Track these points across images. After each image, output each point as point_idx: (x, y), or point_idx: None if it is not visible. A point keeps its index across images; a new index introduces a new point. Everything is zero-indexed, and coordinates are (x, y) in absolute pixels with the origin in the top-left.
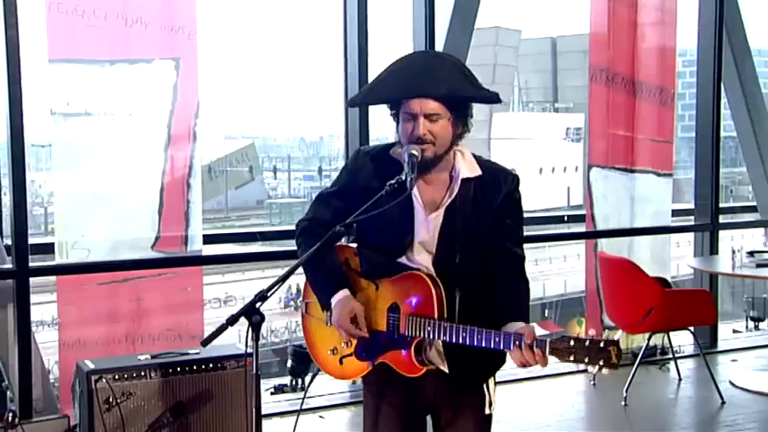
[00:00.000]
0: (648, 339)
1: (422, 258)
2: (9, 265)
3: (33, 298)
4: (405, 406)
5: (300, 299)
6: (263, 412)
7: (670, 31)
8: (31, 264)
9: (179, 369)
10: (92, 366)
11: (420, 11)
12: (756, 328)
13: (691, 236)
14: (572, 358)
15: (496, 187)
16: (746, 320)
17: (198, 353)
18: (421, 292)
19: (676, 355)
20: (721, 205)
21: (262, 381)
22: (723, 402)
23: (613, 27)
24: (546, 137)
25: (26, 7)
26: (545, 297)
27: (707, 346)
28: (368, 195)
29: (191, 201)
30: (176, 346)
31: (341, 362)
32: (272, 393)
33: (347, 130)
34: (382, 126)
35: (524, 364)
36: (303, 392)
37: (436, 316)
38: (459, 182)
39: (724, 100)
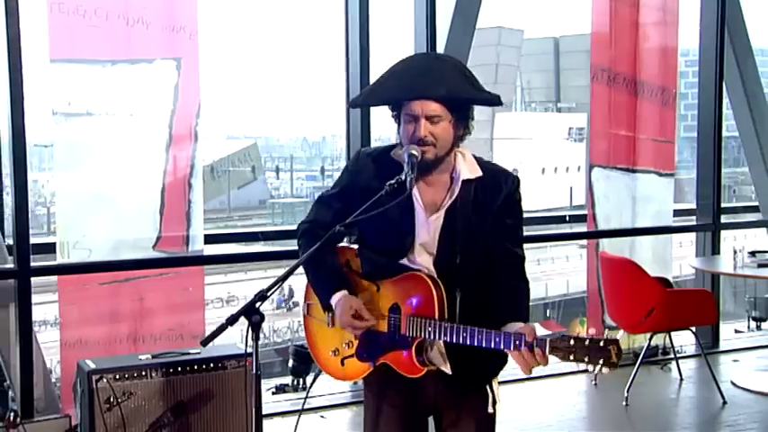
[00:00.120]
0: (650, 339)
1: (423, 260)
2: (11, 265)
3: (36, 298)
4: (406, 406)
5: (302, 300)
6: (265, 412)
7: (672, 30)
8: (32, 264)
9: (180, 369)
10: (93, 366)
11: (421, 11)
12: (758, 328)
13: (694, 236)
14: (572, 357)
15: (497, 188)
16: (748, 320)
17: (199, 353)
18: (422, 292)
19: (678, 356)
20: (723, 205)
21: (263, 380)
22: (724, 402)
23: (615, 27)
24: (548, 137)
25: (27, 7)
26: (547, 297)
27: (708, 347)
28: (368, 196)
29: (192, 201)
30: (178, 345)
31: (342, 363)
32: (273, 393)
33: (348, 131)
34: (383, 126)
35: (527, 366)
36: (305, 392)
37: (437, 316)
38: (460, 183)
39: (726, 100)
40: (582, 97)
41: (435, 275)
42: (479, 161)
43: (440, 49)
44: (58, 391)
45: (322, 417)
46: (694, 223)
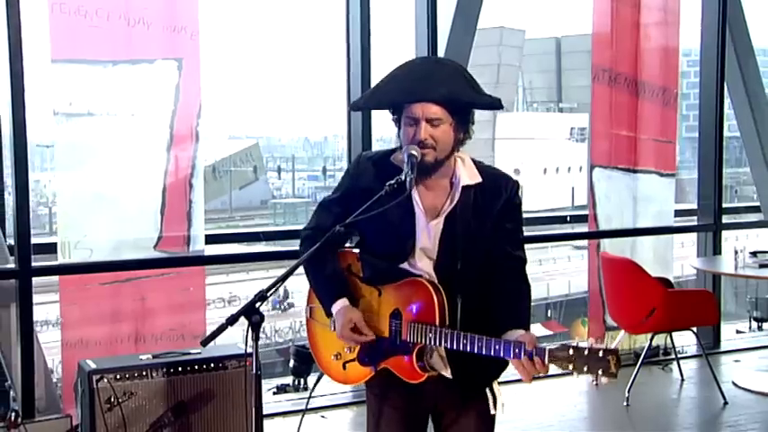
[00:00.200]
0: (651, 340)
1: (423, 264)
2: (12, 265)
3: (38, 298)
4: (407, 408)
5: (304, 303)
6: (265, 412)
7: (673, 31)
8: (33, 264)
9: (180, 369)
10: (93, 366)
11: (422, 11)
12: (760, 328)
13: (695, 236)
14: (571, 367)
15: (497, 193)
16: (750, 321)
17: (199, 353)
18: (422, 298)
19: (679, 356)
20: (725, 205)
21: (265, 380)
22: (726, 403)
23: (616, 27)
24: (550, 137)
25: (29, 7)
26: (549, 297)
27: (710, 347)
28: (368, 199)
29: (193, 201)
30: (179, 345)
31: (344, 367)
32: (274, 393)
33: (350, 131)
34: (385, 127)
35: (527, 375)
36: (309, 393)
37: (437, 323)
38: (460, 189)
39: (728, 100)
40: (584, 97)
41: (436, 281)
42: (479, 166)
43: (441, 49)
44: (60, 391)
45: (323, 417)
46: (695, 223)
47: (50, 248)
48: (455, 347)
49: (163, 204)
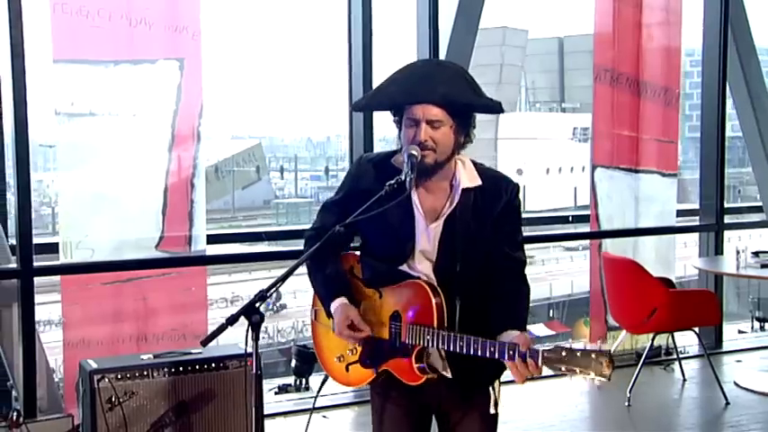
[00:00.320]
0: (653, 340)
1: (423, 267)
2: (14, 265)
3: (41, 297)
4: (409, 405)
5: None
6: (267, 412)
7: (675, 31)
8: (35, 263)
9: (181, 369)
10: (94, 366)
11: (424, 11)
12: (762, 328)
13: (698, 236)
14: (564, 369)
15: (497, 195)
16: (752, 321)
17: (200, 352)
18: (421, 300)
19: (681, 356)
20: (727, 205)
21: (267, 380)
22: (727, 403)
23: (618, 27)
24: (553, 137)
25: (31, 8)
26: (552, 297)
27: (711, 347)
28: (369, 200)
29: (195, 201)
30: (180, 345)
31: (347, 369)
32: (275, 393)
33: (351, 132)
34: (386, 127)
35: (520, 376)
36: (316, 393)
37: (435, 325)
38: (460, 192)
39: (730, 100)
40: (586, 97)
41: (435, 283)
42: (479, 168)
43: (442, 49)
44: (61, 391)
45: (324, 417)
46: (697, 223)
47: (52, 248)
48: (452, 349)
49: (164, 204)
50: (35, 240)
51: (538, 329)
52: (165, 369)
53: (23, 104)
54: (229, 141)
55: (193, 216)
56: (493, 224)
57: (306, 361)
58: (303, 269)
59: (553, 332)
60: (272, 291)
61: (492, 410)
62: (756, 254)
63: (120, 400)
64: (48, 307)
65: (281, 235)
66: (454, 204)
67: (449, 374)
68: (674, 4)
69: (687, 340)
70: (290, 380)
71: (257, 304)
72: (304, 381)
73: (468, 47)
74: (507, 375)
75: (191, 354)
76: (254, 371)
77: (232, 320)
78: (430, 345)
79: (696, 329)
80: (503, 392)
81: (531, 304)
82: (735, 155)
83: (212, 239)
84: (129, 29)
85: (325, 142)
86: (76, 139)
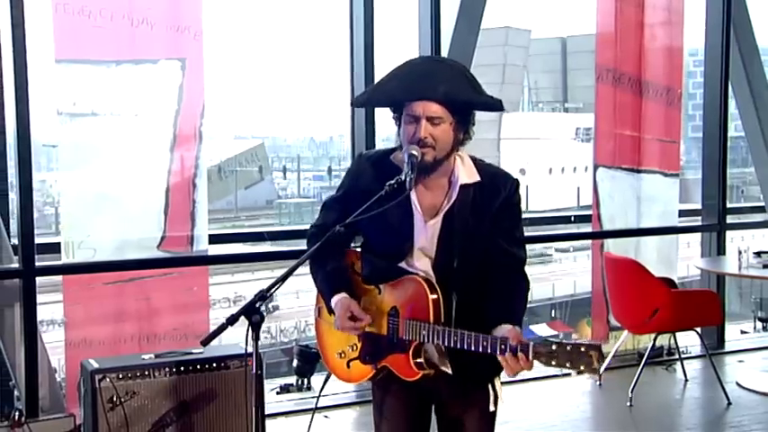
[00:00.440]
0: (654, 340)
1: (422, 264)
2: (16, 265)
3: (43, 297)
4: (409, 398)
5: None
6: (268, 412)
7: (677, 30)
8: (37, 263)
9: (182, 368)
10: (95, 366)
11: (426, 11)
12: (764, 329)
13: (700, 236)
14: (554, 363)
15: (495, 191)
16: (754, 321)
17: (201, 352)
18: (417, 296)
19: (683, 356)
20: (730, 205)
21: (270, 380)
22: (729, 403)
23: (620, 27)
24: (556, 137)
25: (33, 8)
26: (554, 297)
27: (713, 347)
28: (368, 199)
29: (196, 201)
30: (182, 345)
31: (348, 365)
32: (277, 393)
33: (353, 131)
34: (388, 126)
35: (511, 370)
36: (318, 392)
37: (432, 320)
38: (458, 188)
39: (732, 100)
40: (589, 97)
41: (433, 279)
42: (479, 164)
43: (444, 48)
44: (63, 391)
45: (326, 417)
46: (699, 224)
47: (54, 248)
48: (446, 344)
49: (166, 204)
50: (38, 240)
51: (540, 329)
52: (167, 369)
53: (26, 104)
54: (232, 141)
55: (195, 216)
56: (491, 220)
57: (308, 361)
58: (304, 269)
59: (556, 332)
60: (272, 291)
61: (491, 407)
62: (758, 254)
63: (122, 399)
64: (50, 307)
65: (284, 235)
66: (452, 200)
67: (448, 370)
68: (675, 3)
69: (689, 340)
70: (292, 380)
71: (257, 304)
72: (306, 381)
73: (469, 47)
74: (507, 375)
75: (192, 354)
76: (254, 371)
77: (232, 320)
78: (426, 340)
79: (698, 330)
80: (505, 392)
81: (534, 304)
82: (738, 155)
83: (215, 239)
84: (130, 29)
85: (327, 142)
86: (78, 139)
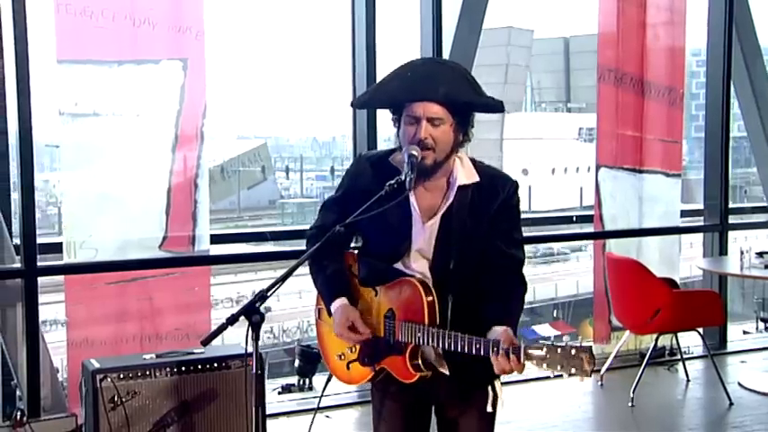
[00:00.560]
0: (656, 340)
1: (419, 265)
2: (18, 265)
3: (45, 297)
4: (408, 400)
5: (314, 305)
6: (270, 412)
7: (679, 30)
8: (39, 263)
9: (184, 368)
10: (97, 365)
11: (427, 11)
12: (767, 329)
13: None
14: (545, 365)
15: (494, 193)
16: (756, 321)
17: (203, 352)
18: (412, 298)
19: (684, 356)
20: (732, 206)
21: (271, 380)
22: (731, 404)
23: (622, 27)
24: (558, 137)
25: (35, 8)
26: (557, 297)
27: (715, 348)
28: (367, 200)
29: (198, 201)
30: (184, 345)
31: (348, 367)
32: (279, 393)
33: (355, 131)
34: (390, 127)
35: (504, 371)
36: (321, 393)
37: (426, 322)
38: (456, 188)
39: (735, 100)
40: (592, 97)
41: (430, 280)
42: (478, 165)
43: (446, 48)
44: (65, 391)
45: (327, 417)
46: (702, 224)
47: (56, 248)
48: (440, 346)
49: (168, 204)
50: (41, 240)
51: (543, 330)
52: (168, 369)
53: (27, 105)
54: (235, 141)
55: (197, 216)
56: (489, 221)
57: (309, 361)
58: (304, 269)
59: (558, 332)
60: (272, 291)
61: (489, 409)
62: (761, 254)
63: (123, 399)
64: (52, 307)
65: (287, 235)
66: (450, 201)
67: (446, 371)
68: (678, 3)
69: (691, 341)
70: (294, 380)
71: (257, 304)
72: (307, 381)
73: (471, 47)
74: (509, 376)
75: (193, 353)
76: (255, 371)
77: (232, 320)
78: (421, 342)
79: (700, 330)
80: (506, 392)
81: (537, 304)
82: (741, 155)
83: (217, 239)
84: (132, 29)
85: (330, 142)
86: (80, 139)
